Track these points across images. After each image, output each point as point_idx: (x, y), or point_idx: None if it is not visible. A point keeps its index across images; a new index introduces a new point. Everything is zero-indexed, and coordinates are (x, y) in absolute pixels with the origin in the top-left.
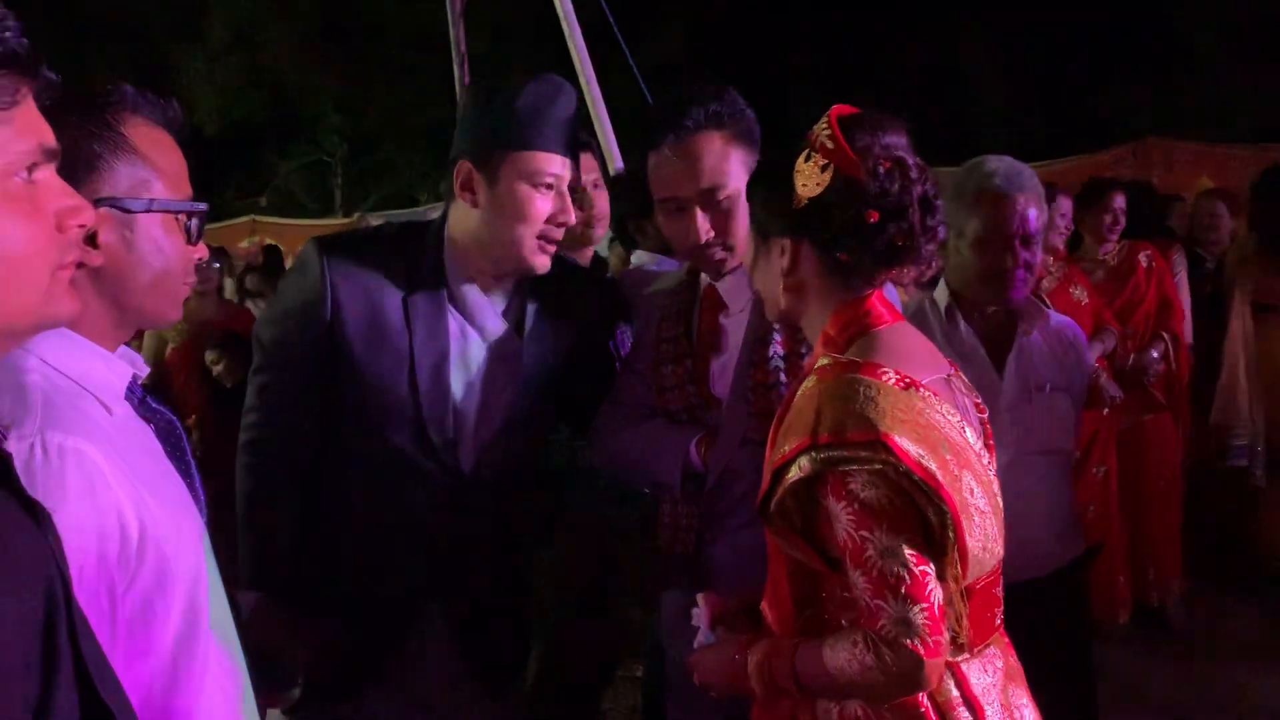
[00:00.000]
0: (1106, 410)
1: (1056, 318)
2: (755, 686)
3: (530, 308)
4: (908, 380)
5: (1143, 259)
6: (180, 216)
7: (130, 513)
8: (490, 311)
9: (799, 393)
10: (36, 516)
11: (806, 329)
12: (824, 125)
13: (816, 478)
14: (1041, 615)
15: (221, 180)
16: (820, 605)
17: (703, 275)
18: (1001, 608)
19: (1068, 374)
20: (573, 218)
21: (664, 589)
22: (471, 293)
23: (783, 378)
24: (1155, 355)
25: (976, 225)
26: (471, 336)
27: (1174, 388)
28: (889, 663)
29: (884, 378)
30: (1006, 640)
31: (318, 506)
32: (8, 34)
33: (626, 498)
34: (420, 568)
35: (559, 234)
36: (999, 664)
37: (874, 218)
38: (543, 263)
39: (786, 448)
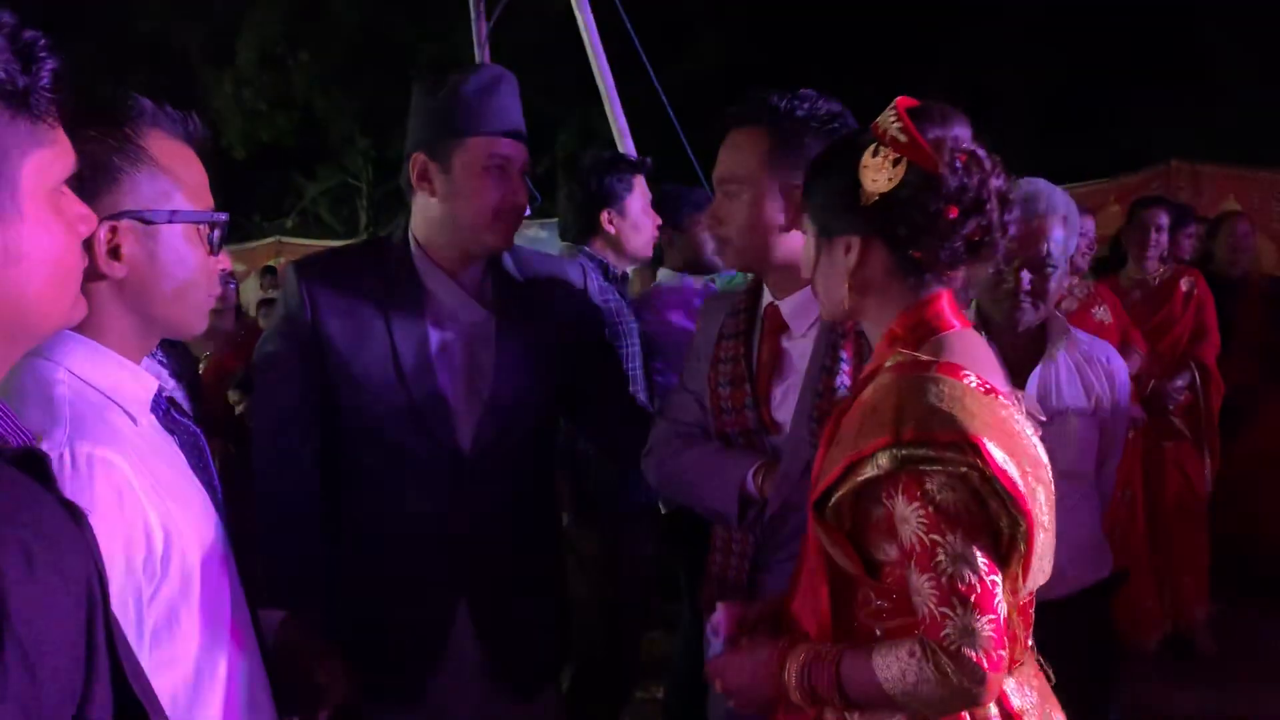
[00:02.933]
0: (1131, 433)
1: (1087, 339)
2: (793, 695)
3: (502, 291)
4: (988, 386)
5: (1184, 284)
6: (202, 227)
7: (156, 522)
8: (462, 297)
9: (872, 388)
10: (75, 516)
11: (868, 328)
12: (892, 118)
13: (888, 476)
14: (1063, 635)
15: (248, 202)
16: (853, 611)
17: (765, 294)
18: (1031, 627)
19: (1095, 397)
20: (522, 198)
21: (709, 613)
22: (442, 281)
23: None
24: (1180, 384)
25: None
26: (447, 323)
27: (1200, 417)
28: (949, 674)
29: (965, 379)
30: (1035, 661)
31: (334, 521)
32: (49, 58)
33: (636, 514)
34: (440, 562)
35: (513, 213)
36: (1035, 683)
37: (953, 213)
38: (500, 241)
39: (864, 444)
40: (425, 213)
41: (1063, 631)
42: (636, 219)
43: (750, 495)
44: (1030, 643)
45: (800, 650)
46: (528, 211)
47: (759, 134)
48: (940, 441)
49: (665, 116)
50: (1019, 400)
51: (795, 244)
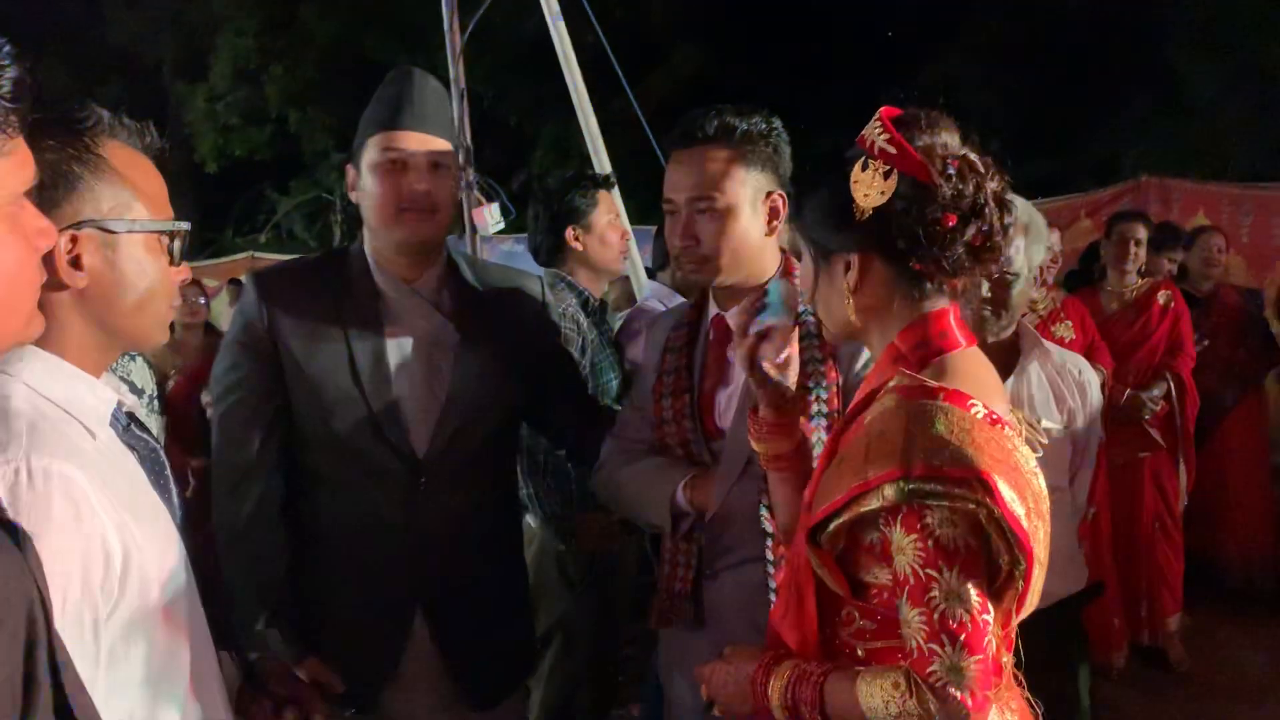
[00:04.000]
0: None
1: (1060, 353)
2: (775, 712)
3: (460, 298)
4: (994, 416)
5: (1161, 297)
6: (163, 237)
7: (115, 539)
8: (419, 304)
9: (875, 411)
10: (17, 538)
11: (871, 345)
12: (878, 130)
13: (890, 507)
14: (1037, 647)
15: (222, 217)
16: (835, 628)
17: (711, 305)
18: (1013, 650)
19: (1067, 409)
20: (423, 186)
21: (663, 626)
22: (398, 288)
23: None
24: (1156, 394)
25: None
26: (405, 330)
27: (1175, 429)
28: (932, 711)
29: (972, 409)
30: (1015, 683)
31: (295, 534)
32: (10, 66)
33: (625, 529)
34: (398, 569)
35: (415, 203)
36: (1015, 705)
37: (951, 221)
38: (410, 234)
39: (871, 474)
40: (365, 221)
41: (1036, 643)
42: (603, 233)
43: (679, 508)
44: (1010, 665)
45: (785, 667)
46: (499, 224)
47: (725, 150)
48: (951, 478)
49: (640, 131)
50: (1021, 425)
51: (766, 255)
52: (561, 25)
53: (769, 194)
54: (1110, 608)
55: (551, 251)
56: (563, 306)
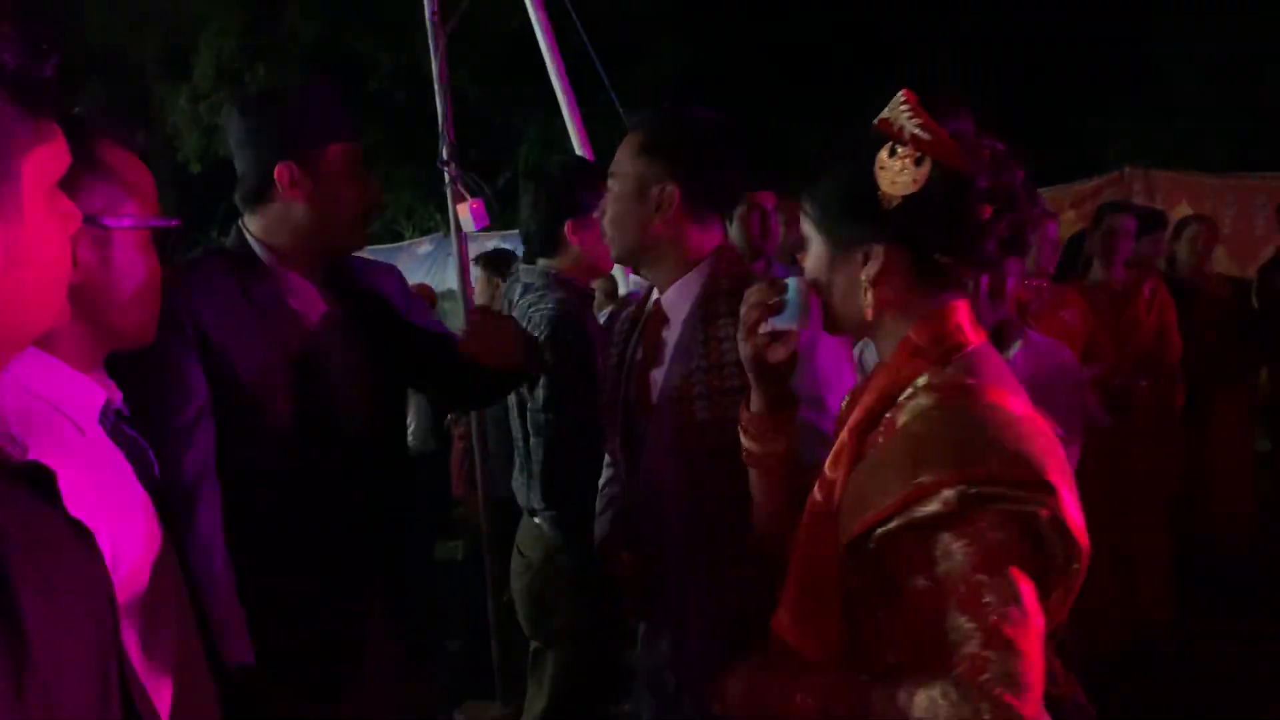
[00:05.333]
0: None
1: (1041, 340)
2: None
3: (338, 283)
4: (1033, 415)
5: (1147, 289)
6: (155, 235)
7: (103, 537)
8: (314, 291)
9: (912, 413)
10: (82, 535)
11: (881, 339)
12: (906, 112)
13: (947, 513)
14: None
15: (205, 218)
16: (862, 635)
17: (654, 293)
18: None
19: (1049, 398)
20: (381, 197)
21: (632, 619)
22: (298, 282)
23: (701, 389)
24: (1145, 384)
25: None
26: (310, 316)
27: (1163, 419)
28: (986, 718)
29: (1015, 408)
30: None
31: (239, 535)
32: (54, 50)
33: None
34: (352, 556)
35: (375, 212)
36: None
37: (987, 213)
38: (361, 239)
39: (924, 478)
40: (287, 219)
41: None
42: (601, 230)
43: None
44: None
45: (816, 684)
46: (484, 220)
47: (637, 135)
48: (1017, 480)
49: (623, 127)
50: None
51: (666, 238)
52: (545, 23)
53: (663, 186)
54: (1106, 597)
55: (545, 243)
56: (556, 310)
